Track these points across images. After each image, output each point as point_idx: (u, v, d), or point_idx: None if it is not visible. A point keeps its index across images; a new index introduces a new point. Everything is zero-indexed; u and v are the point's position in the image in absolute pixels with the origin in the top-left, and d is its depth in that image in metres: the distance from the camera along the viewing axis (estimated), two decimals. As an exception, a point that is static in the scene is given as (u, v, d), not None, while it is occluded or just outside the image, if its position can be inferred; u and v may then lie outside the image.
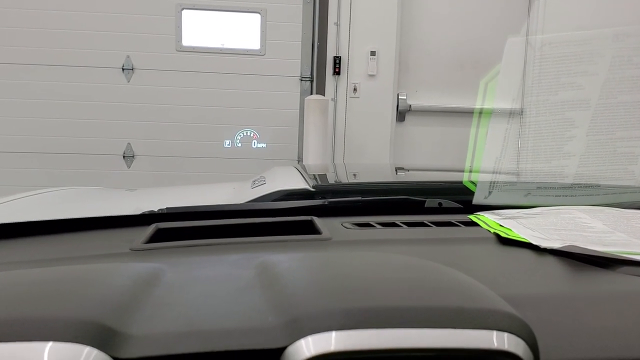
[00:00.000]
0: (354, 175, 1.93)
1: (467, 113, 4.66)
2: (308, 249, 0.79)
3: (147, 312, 0.44)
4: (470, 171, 1.16)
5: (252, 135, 4.75)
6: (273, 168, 1.71)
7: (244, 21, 4.67)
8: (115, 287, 0.47)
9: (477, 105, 1.05)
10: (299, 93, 4.73)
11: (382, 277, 0.50)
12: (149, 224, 0.92)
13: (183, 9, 4.59)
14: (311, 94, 4.67)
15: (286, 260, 0.56)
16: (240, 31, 4.68)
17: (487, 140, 1.05)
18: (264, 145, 4.76)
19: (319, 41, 4.70)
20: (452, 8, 4.83)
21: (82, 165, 4.61)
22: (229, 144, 4.74)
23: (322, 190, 1.36)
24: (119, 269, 0.53)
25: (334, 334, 0.40)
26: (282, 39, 4.68)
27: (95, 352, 0.37)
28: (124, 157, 4.68)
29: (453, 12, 4.83)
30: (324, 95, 4.61)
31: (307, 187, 1.29)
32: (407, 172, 2.11)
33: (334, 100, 4.71)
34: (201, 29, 4.65)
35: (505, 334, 0.41)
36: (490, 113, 1.07)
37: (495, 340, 0.41)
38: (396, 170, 2.11)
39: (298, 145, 4.74)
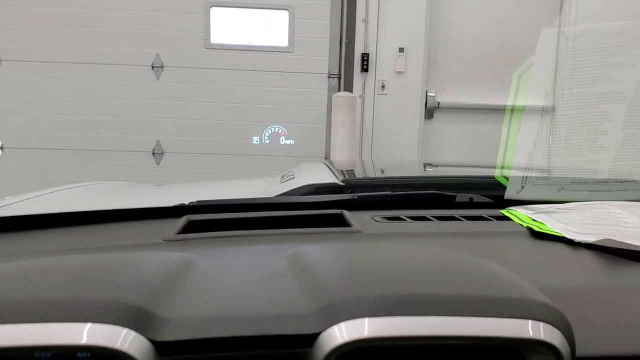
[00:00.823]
0: (382, 171, 1.92)
1: (498, 110, 4.59)
2: (339, 241, 0.79)
3: (182, 298, 0.45)
4: (502, 167, 1.14)
5: (280, 131, 4.76)
6: (301, 164, 1.71)
7: (272, 18, 4.69)
8: (151, 274, 0.48)
9: (510, 97, 1.03)
10: (326, 90, 4.73)
11: (415, 266, 0.50)
12: (179, 216, 0.94)
13: (212, 6, 4.63)
14: (339, 91, 4.67)
15: (318, 250, 0.56)
16: (268, 28, 4.69)
17: (520, 134, 1.04)
18: (292, 141, 4.77)
19: (346, 38, 4.69)
20: (482, 3, 4.77)
21: (111, 162, 4.68)
22: (257, 141, 4.76)
23: (352, 184, 1.35)
24: (154, 257, 0.54)
25: (367, 320, 0.40)
26: (310, 35, 4.69)
27: (132, 334, 0.38)
28: (153, 154, 4.74)
29: (483, 7, 4.77)
30: (351, 92, 4.60)
31: (336, 181, 1.29)
32: (435, 168, 2.09)
33: (362, 97, 4.70)
34: (229, 27, 4.68)
35: (541, 324, 0.41)
36: (523, 109, 1.05)
37: (531, 329, 0.40)
38: (424, 166, 2.09)
39: (325, 142, 4.74)
